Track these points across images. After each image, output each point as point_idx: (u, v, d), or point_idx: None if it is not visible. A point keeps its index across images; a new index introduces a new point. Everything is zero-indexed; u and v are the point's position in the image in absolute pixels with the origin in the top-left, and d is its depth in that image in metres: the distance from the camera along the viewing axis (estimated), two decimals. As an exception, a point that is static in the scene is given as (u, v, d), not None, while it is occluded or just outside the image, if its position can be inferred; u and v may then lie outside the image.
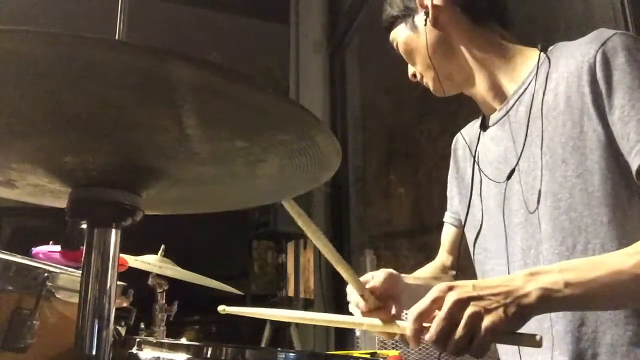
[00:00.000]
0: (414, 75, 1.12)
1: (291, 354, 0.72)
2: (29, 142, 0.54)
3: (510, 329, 0.71)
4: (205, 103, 0.47)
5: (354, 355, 0.88)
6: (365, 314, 0.93)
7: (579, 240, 0.86)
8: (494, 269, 1.02)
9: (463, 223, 1.10)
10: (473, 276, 1.09)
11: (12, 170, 0.59)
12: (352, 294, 0.94)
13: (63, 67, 0.42)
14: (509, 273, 0.99)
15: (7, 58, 0.41)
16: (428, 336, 0.71)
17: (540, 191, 0.91)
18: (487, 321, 0.69)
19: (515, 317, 0.71)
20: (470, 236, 1.09)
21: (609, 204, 0.84)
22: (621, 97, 0.82)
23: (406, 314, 0.80)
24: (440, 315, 0.70)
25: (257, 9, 3.98)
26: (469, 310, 0.70)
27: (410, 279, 1.06)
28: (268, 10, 4.01)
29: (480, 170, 1.07)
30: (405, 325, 0.76)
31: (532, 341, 0.70)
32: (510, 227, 0.98)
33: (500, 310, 0.70)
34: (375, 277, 0.95)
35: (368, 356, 0.93)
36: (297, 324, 2.92)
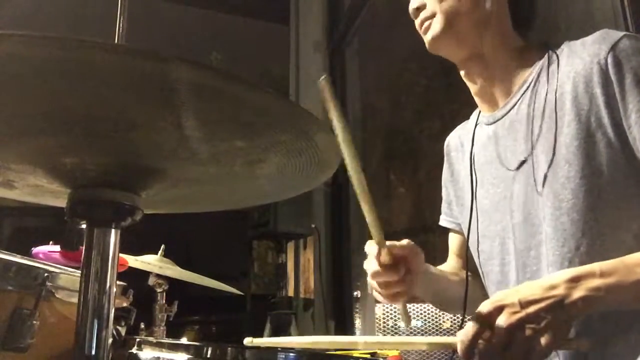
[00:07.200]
0: (418, 10, 0.99)
1: (291, 354, 0.72)
2: (28, 143, 0.54)
3: (561, 339, 0.73)
4: (204, 104, 0.47)
5: (354, 355, 0.88)
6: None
7: (582, 242, 0.85)
8: (492, 270, 1.01)
9: (467, 227, 1.07)
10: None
11: (11, 171, 0.59)
12: (370, 246, 0.91)
13: (63, 70, 0.42)
14: (502, 275, 0.98)
15: (8, 60, 0.41)
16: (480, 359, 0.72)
17: (541, 191, 0.90)
18: (542, 341, 0.70)
19: (565, 328, 0.73)
20: (471, 239, 1.07)
21: (617, 207, 0.84)
22: (638, 100, 0.81)
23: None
24: (492, 341, 0.71)
25: (257, 9, 3.99)
26: (523, 336, 0.71)
27: (433, 268, 1.06)
28: (268, 11, 4.01)
29: (474, 172, 1.06)
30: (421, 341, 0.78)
31: (581, 345, 0.75)
32: (508, 227, 0.97)
33: (552, 327, 0.71)
34: (399, 242, 0.93)
35: (368, 356, 0.93)
36: (297, 324, 2.92)
